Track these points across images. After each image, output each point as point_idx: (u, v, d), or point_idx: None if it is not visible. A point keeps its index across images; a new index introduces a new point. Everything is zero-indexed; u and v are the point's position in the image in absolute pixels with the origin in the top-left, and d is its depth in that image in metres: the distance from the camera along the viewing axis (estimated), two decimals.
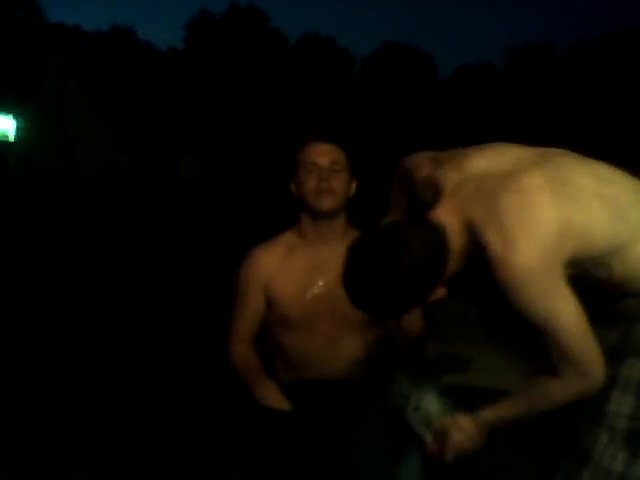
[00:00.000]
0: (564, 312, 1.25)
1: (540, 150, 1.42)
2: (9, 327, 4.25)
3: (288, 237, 1.86)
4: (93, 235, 8.25)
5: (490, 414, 1.41)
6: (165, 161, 18.27)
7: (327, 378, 1.77)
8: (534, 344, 1.32)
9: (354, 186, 1.85)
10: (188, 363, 3.71)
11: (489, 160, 1.38)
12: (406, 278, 1.24)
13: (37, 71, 20.23)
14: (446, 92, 33.05)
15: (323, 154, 1.77)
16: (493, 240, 1.24)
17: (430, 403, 1.48)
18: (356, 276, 1.29)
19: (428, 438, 1.47)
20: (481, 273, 1.30)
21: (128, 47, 31.55)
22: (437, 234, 1.30)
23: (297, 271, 1.79)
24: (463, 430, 1.41)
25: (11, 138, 17.93)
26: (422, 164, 1.53)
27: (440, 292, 1.36)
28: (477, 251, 1.29)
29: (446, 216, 1.32)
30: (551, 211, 1.24)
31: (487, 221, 1.26)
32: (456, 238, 1.31)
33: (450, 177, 1.38)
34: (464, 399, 1.51)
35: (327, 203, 1.75)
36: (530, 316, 1.25)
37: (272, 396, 1.72)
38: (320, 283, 1.77)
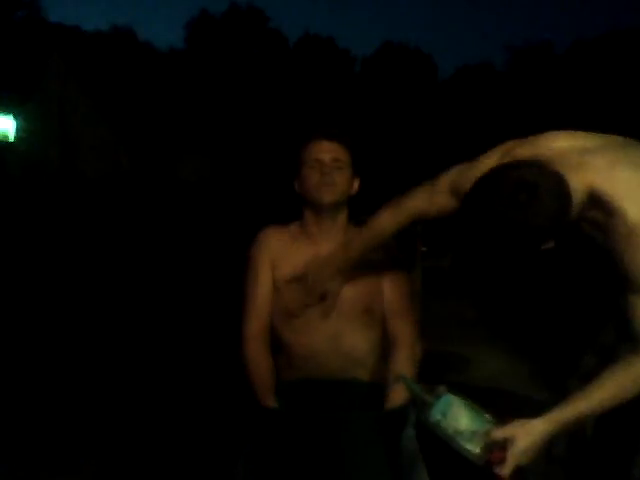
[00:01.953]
0: None
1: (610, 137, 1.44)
2: (9, 327, 4.25)
3: (293, 228, 1.89)
4: (93, 235, 8.25)
5: (566, 412, 1.29)
6: (165, 161, 18.26)
7: (328, 378, 1.77)
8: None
9: (356, 184, 1.87)
10: (188, 364, 3.71)
11: (576, 139, 1.40)
12: (534, 221, 1.20)
13: (37, 71, 20.23)
14: (446, 92, 33.02)
15: (326, 151, 1.80)
16: (630, 210, 1.25)
17: (460, 412, 1.32)
18: (482, 210, 1.22)
19: (476, 451, 1.30)
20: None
21: (128, 47, 31.51)
22: (563, 185, 1.26)
23: (299, 264, 1.81)
24: (531, 434, 1.28)
25: (11, 138, 17.90)
26: (479, 167, 1.44)
27: (550, 244, 1.28)
28: (592, 219, 1.29)
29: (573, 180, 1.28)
30: None
31: (625, 193, 1.26)
32: (576, 202, 1.28)
33: (549, 151, 1.36)
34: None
35: (328, 196, 1.78)
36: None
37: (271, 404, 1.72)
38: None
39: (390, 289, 1.83)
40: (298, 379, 1.79)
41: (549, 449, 1.44)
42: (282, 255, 1.83)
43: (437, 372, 1.98)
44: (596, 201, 1.28)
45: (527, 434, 1.26)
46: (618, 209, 1.26)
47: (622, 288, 1.28)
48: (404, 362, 1.73)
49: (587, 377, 1.34)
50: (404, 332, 1.80)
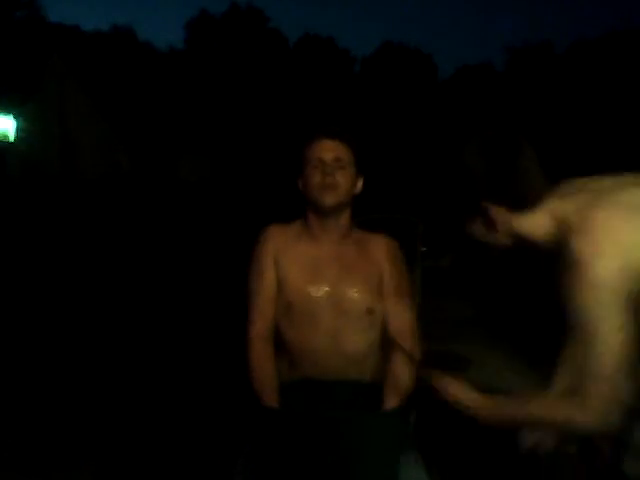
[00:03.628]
0: (611, 336, 1.20)
1: None
2: (9, 327, 4.26)
3: (295, 227, 1.89)
4: (93, 235, 8.25)
5: (502, 409, 1.38)
6: (164, 161, 18.27)
7: (328, 377, 1.77)
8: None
9: (360, 183, 1.86)
10: (189, 364, 3.71)
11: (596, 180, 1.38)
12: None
13: (37, 71, 20.24)
14: (446, 92, 33.04)
15: (328, 150, 1.79)
16: (581, 243, 1.24)
17: None
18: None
19: None
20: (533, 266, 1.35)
21: (128, 47, 31.54)
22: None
23: (301, 262, 1.81)
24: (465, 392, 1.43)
25: (11, 138, 17.91)
26: None
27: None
28: (554, 245, 1.30)
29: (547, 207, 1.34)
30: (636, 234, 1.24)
31: (579, 226, 1.26)
32: (544, 231, 1.33)
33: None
34: None
35: (330, 198, 1.77)
36: (572, 320, 1.24)
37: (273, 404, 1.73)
38: (323, 280, 1.78)
39: (393, 291, 1.83)
40: (298, 379, 1.80)
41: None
42: (285, 253, 1.83)
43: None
44: (560, 229, 1.30)
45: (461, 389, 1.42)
46: (570, 242, 1.25)
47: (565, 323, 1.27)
48: (402, 362, 1.73)
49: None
50: (404, 325, 1.80)
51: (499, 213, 1.33)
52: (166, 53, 36.15)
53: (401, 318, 1.82)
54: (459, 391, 1.43)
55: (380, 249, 1.87)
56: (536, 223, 1.32)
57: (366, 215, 2.13)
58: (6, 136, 17.70)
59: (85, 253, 7.09)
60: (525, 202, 1.32)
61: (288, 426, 1.66)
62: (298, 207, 1.88)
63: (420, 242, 2.32)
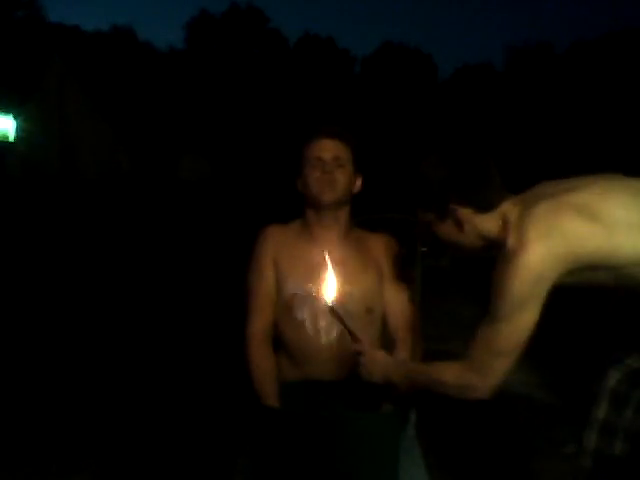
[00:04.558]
0: (522, 320, 1.37)
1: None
2: (9, 328, 4.26)
3: (294, 226, 1.89)
4: (93, 235, 8.25)
5: (412, 370, 1.59)
6: (164, 161, 18.27)
7: (330, 377, 1.78)
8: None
9: (359, 182, 1.87)
10: (189, 364, 3.71)
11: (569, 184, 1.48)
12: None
13: (37, 71, 20.22)
14: (446, 92, 33.05)
15: (327, 149, 1.80)
16: (513, 237, 1.38)
17: None
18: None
19: None
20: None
21: (128, 47, 31.53)
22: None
23: (301, 261, 1.81)
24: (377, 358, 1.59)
25: (11, 138, 17.90)
26: None
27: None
28: (497, 239, 1.45)
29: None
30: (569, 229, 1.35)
31: (515, 223, 1.41)
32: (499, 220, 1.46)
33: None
34: None
35: (329, 194, 1.78)
36: (495, 303, 1.38)
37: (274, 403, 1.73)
38: (323, 279, 1.78)
39: (392, 290, 1.83)
40: (298, 379, 1.80)
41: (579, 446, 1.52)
42: (284, 253, 1.84)
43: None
44: (504, 228, 1.44)
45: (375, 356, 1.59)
46: (507, 237, 1.40)
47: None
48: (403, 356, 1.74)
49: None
50: (405, 332, 1.81)
51: (465, 214, 1.47)
52: (166, 53, 36.16)
53: (401, 313, 1.83)
54: (378, 354, 1.61)
55: (379, 248, 1.87)
56: (491, 224, 1.47)
57: (366, 215, 2.13)
58: (6, 136, 17.69)
59: (85, 253, 7.09)
60: (486, 204, 1.46)
61: (288, 426, 1.66)
62: (298, 207, 1.89)
63: (420, 242, 2.32)
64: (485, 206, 1.46)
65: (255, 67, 33.63)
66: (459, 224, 1.48)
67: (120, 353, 3.89)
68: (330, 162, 1.79)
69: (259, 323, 1.81)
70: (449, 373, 1.48)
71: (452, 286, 5.81)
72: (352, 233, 1.89)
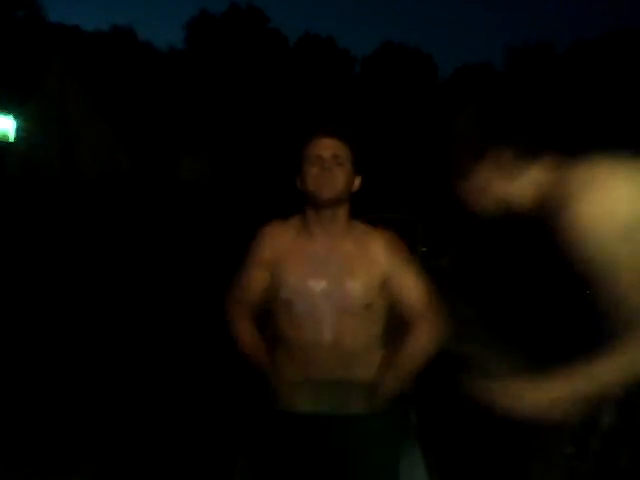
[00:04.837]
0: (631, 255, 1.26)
1: None
2: (9, 328, 4.26)
3: (294, 224, 1.90)
4: (93, 235, 8.25)
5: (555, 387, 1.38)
6: (164, 161, 18.28)
7: (331, 374, 1.77)
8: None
9: (358, 181, 1.87)
10: (189, 364, 3.71)
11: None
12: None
13: (37, 71, 20.24)
14: (446, 92, 33.05)
15: (326, 148, 1.81)
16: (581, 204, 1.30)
17: None
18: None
19: None
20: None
21: (128, 47, 31.54)
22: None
23: (300, 258, 1.81)
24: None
25: (11, 138, 17.91)
26: None
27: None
28: (549, 207, 1.35)
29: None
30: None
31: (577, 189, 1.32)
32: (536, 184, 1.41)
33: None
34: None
35: (327, 191, 1.78)
36: (596, 264, 1.28)
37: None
38: (322, 276, 1.78)
39: (401, 278, 1.83)
40: (299, 379, 1.80)
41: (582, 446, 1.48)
42: (283, 250, 1.85)
43: (437, 372, 1.98)
44: (554, 191, 1.37)
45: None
46: (568, 204, 1.32)
47: (590, 280, 1.30)
48: (415, 341, 1.76)
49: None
50: (419, 297, 1.82)
51: (505, 160, 1.40)
52: (166, 53, 36.16)
53: (414, 291, 1.83)
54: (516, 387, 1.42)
55: (379, 244, 1.87)
56: (526, 186, 1.41)
57: (365, 215, 2.13)
58: (6, 136, 17.71)
59: (85, 253, 7.09)
60: (529, 153, 1.40)
61: (288, 426, 1.66)
62: (297, 206, 1.89)
63: (420, 242, 2.32)
64: (531, 152, 1.41)
65: (255, 67, 33.64)
66: (500, 168, 1.41)
67: (120, 353, 3.89)
68: (329, 160, 1.79)
69: (239, 294, 1.87)
70: (609, 362, 1.29)
71: (452, 286, 5.81)
72: (351, 230, 1.89)
